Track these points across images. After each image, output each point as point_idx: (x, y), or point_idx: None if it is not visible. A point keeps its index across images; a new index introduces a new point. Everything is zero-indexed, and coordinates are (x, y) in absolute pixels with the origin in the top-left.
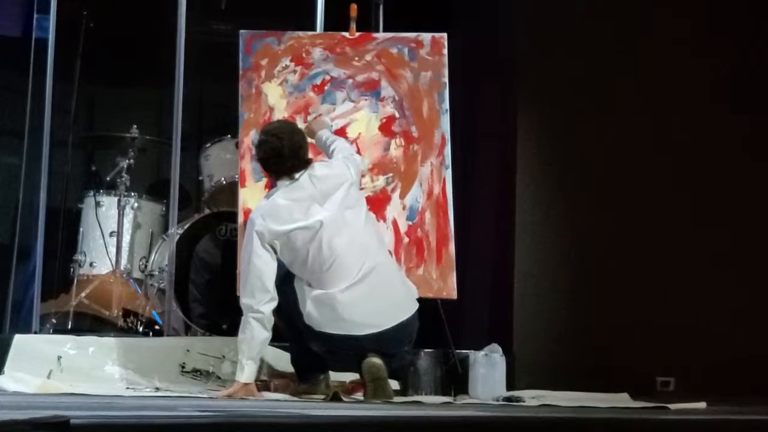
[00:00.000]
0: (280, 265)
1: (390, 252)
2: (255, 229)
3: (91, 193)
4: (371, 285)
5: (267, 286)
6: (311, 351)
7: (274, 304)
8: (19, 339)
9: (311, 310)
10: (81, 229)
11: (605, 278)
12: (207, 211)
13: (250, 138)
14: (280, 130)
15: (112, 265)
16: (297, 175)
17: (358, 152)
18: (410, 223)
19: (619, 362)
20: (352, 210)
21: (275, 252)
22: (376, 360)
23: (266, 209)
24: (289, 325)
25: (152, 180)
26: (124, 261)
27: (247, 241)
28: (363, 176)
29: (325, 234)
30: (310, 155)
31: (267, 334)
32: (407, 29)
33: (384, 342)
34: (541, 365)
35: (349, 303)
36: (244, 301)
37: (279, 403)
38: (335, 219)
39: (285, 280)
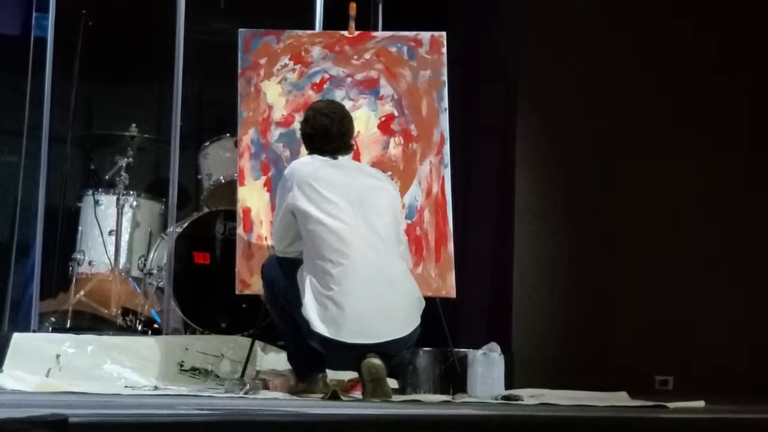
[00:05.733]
0: (284, 262)
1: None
2: (292, 169)
3: (90, 191)
4: (380, 298)
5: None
6: (309, 349)
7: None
8: (17, 337)
9: (312, 309)
10: (80, 228)
11: (604, 276)
12: (206, 210)
13: (248, 137)
14: (331, 110)
15: (110, 263)
16: (339, 157)
17: (357, 151)
18: (409, 221)
19: (618, 361)
20: (379, 216)
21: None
22: (375, 361)
23: (304, 161)
24: (287, 322)
25: (151, 178)
26: (122, 259)
27: (280, 189)
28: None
29: (343, 229)
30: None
31: None
32: (406, 28)
33: (383, 349)
34: (539, 364)
35: (354, 314)
36: (275, 246)
37: (277, 401)
38: (358, 218)
39: (286, 274)
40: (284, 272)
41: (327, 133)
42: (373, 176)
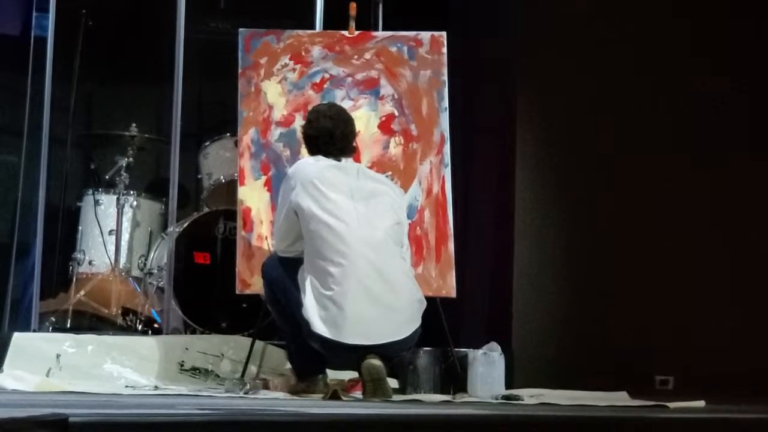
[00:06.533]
0: (285, 261)
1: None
2: (296, 168)
3: (90, 191)
4: (380, 299)
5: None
6: (310, 349)
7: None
8: (18, 337)
9: (312, 309)
10: (80, 228)
11: (605, 276)
12: (206, 210)
13: (249, 136)
14: (334, 113)
15: (111, 263)
16: (342, 160)
17: (358, 151)
18: (409, 221)
19: (618, 361)
20: (381, 218)
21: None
22: (376, 362)
23: (309, 161)
24: (287, 322)
25: (151, 178)
26: (123, 259)
27: (283, 188)
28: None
29: (345, 230)
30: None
31: None
32: (406, 28)
33: (383, 350)
34: (539, 364)
35: (353, 315)
36: (275, 246)
37: (278, 401)
38: (360, 220)
39: (287, 274)
40: (285, 272)
41: (330, 135)
42: (377, 180)
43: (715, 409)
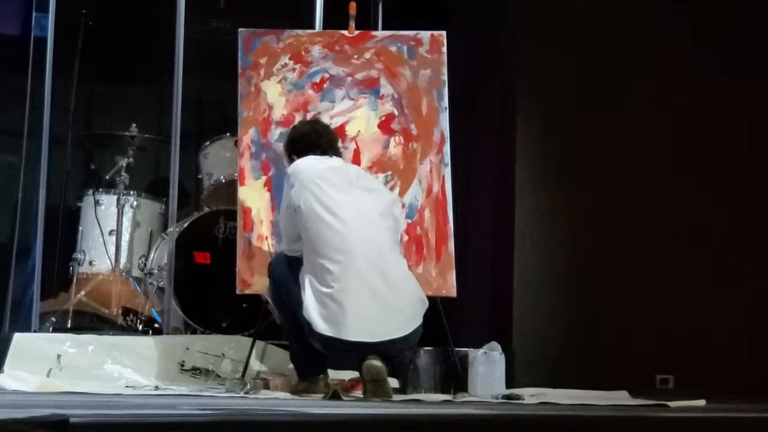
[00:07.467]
0: (291, 261)
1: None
2: (297, 167)
3: (91, 191)
4: (380, 297)
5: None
6: (311, 349)
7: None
8: (18, 337)
9: (313, 309)
10: (80, 228)
11: (605, 276)
12: (206, 210)
13: (249, 136)
14: (308, 120)
15: (111, 263)
16: (335, 158)
17: (357, 150)
18: (409, 221)
19: (619, 360)
20: (382, 218)
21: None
22: (376, 362)
23: (308, 161)
24: (290, 321)
25: (151, 178)
26: (123, 259)
27: (285, 187)
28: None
29: (345, 227)
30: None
31: None
32: (406, 27)
33: (385, 348)
34: (540, 363)
35: (354, 312)
36: (282, 245)
37: (278, 401)
38: (360, 218)
39: (292, 273)
40: (290, 271)
41: (314, 129)
42: (374, 181)
43: (715, 409)
